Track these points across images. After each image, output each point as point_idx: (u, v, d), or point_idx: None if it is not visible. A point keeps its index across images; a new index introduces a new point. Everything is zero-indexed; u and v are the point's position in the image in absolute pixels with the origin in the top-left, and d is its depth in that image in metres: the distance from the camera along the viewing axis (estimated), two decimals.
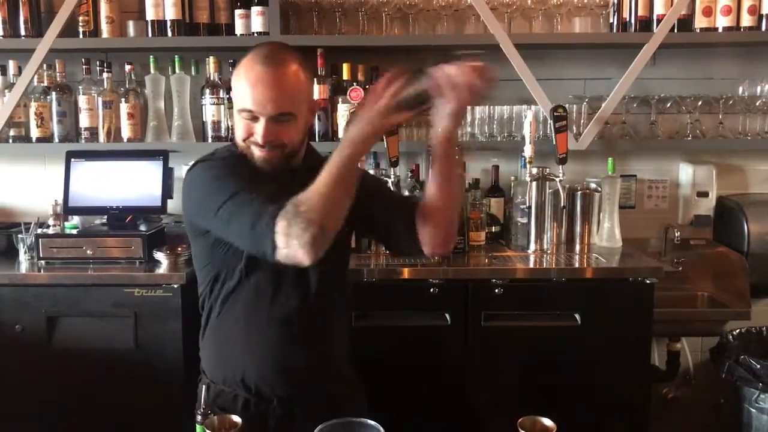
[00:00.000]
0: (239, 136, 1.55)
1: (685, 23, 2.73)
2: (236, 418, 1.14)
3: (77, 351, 2.43)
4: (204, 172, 1.54)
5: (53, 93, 2.85)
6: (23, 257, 2.63)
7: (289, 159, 1.57)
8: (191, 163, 1.61)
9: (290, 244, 1.32)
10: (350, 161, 1.35)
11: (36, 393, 2.44)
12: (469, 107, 1.45)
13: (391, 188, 2.49)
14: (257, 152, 1.52)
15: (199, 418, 1.24)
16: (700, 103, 2.85)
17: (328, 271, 1.59)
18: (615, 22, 2.83)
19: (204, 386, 1.26)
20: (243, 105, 1.50)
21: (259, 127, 1.49)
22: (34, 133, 2.85)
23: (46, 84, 2.87)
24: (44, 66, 2.82)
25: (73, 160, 2.75)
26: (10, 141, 2.87)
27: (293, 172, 1.58)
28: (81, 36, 2.79)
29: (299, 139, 1.57)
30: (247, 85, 1.48)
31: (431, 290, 2.42)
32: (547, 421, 1.07)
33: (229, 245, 1.53)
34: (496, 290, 2.42)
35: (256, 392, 1.59)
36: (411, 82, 1.35)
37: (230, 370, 1.61)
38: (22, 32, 2.79)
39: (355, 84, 2.74)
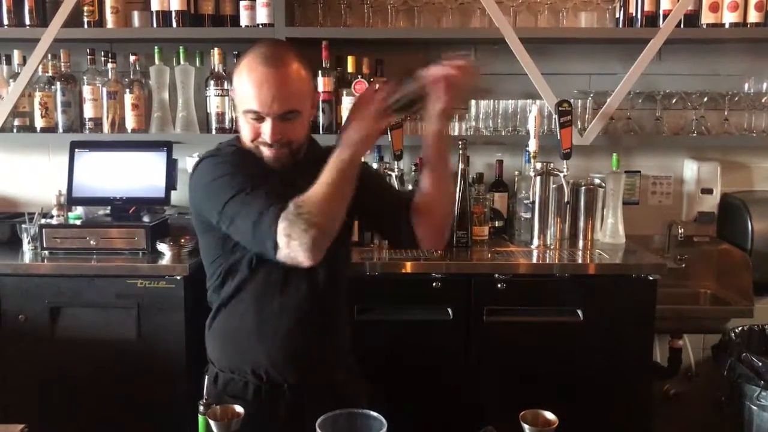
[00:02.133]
0: (246, 137, 1.57)
1: (692, 19, 2.72)
2: (239, 408, 1.14)
3: (80, 341, 2.44)
4: (210, 168, 1.57)
5: (58, 83, 2.84)
6: (27, 247, 2.63)
7: (295, 155, 1.59)
8: (197, 159, 1.63)
9: (291, 245, 1.37)
10: (348, 164, 1.40)
11: (39, 383, 2.44)
12: (470, 102, 1.49)
13: (391, 182, 2.51)
14: (266, 152, 1.55)
15: (201, 408, 1.24)
16: (705, 99, 2.84)
17: (334, 260, 1.60)
18: (621, 17, 2.82)
19: (207, 377, 1.26)
20: (248, 106, 1.51)
21: (266, 127, 1.51)
22: (39, 123, 2.85)
23: (50, 74, 2.86)
24: (49, 56, 2.81)
25: (77, 150, 2.75)
26: (15, 131, 2.87)
27: (296, 165, 1.59)
28: (86, 26, 2.78)
29: (305, 134, 1.60)
30: (251, 86, 1.50)
31: (434, 284, 2.41)
32: (549, 415, 1.07)
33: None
34: (499, 285, 2.42)
35: (267, 380, 1.61)
36: (401, 85, 1.42)
37: (240, 358, 1.63)
38: (27, 22, 2.79)
39: (359, 77, 2.74)
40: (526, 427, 1.05)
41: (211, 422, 1.12)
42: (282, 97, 1.49)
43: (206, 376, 1.32)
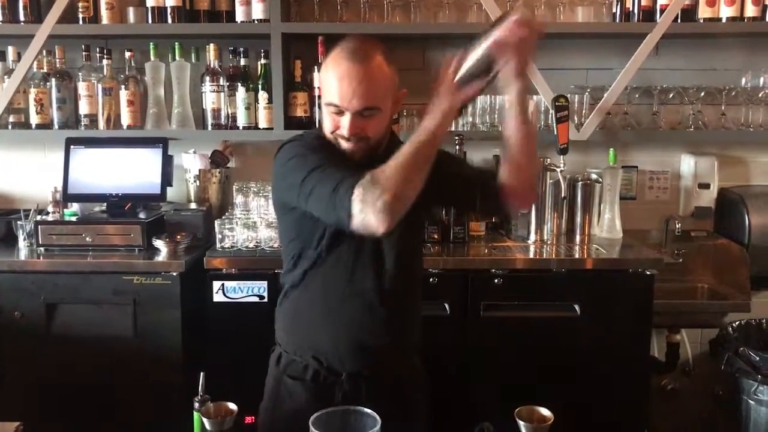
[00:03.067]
0: (327, 128, 1.59)
1: (689, 13, 2.72)
2: (232, 406, 1.14)
3: (76, 338, 2.44)
4: (292, 149, 1.61)
5: (53, 79, 2.83)
6: (22, 244, 2.62)
7: (374, 150, 1.60)
8: (281, 144, 1.66)
9: (365, 211, 1.38)
10: (430, 137, 1.41)
11: (35, 380, 2.44)
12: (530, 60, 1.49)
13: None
14: (344, 144, 1.57)
15: (196, 405, 1.24)
16: (702, 94, 2.84)
17: (403, 252, 1.63)
18: (618, 12, 2.81)
19: (203, 374, 1.25)
20: (330, 99, 1.53)
21: (345, 121, 1.53)
22: (34, 119, 2.84)
23: (45, 70, 2.85)
24: (44, 52, 2.80)
25: (72, 147, 2.75)
26: (10, 127, 2.86)
27: (373, 159, 1.58)
28: (81, 22, 2.77)
29: (383, 131, 1.61)
30: (334, 79, 1.51)
31: (431, 280, 2.41)
32: (545, 411, 1.06)
33: (314, 220, 1.57)
34: (496, 280, 2.42)
35: (327, 365, 1.63)
36: (469, 54, 1.43)
37: (304, 341, 1.67)
38: (22, 18, 2.77)
39: None
40: (521, 423, 1.05)
41: (204, 420, 1.11)
42: (362, 93, 1.50)
43: (201, 373, 1.31)
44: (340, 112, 1.53)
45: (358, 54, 1.52)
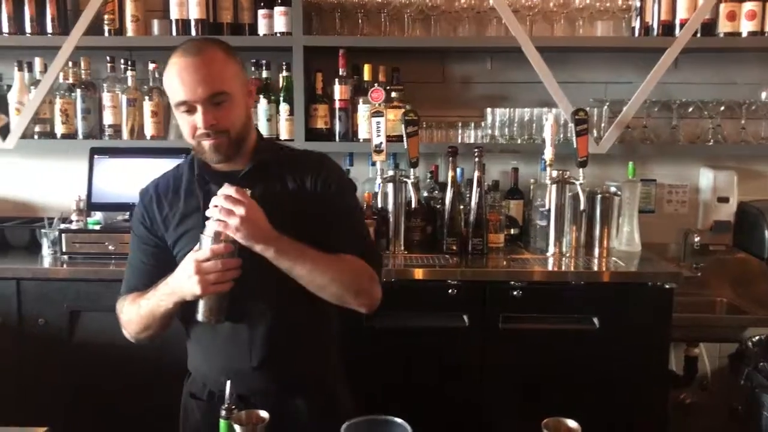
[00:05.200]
0: (187, 135, 1.54)
1: (709, 27, 2.72)
2: (263, 413, 1.15)
3: (98, 345, 2.45)
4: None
5: (78, 90, 2.88)
6: (46, 252, 2.66)
7: (238, 146, 1.55)
8: None
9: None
10: (159, 306, 1.54)
11: (57, 386, 2.47)
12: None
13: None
14: (206, 144, 1.51)
15: (223, 413, 1.25)
16: (722, 108, 2.84)
17: (276, 279, 1.53)
18: (637, 26, 2.83)
19: (229, 381, 1.27)
20: (177, 98, 1.49)
21: (198, 116, 1.48)
22: (59, 129, 2.89)
23: (71, 81, 2.90)
24: (70, 63, 2.85)
25: (96, 156, 2.79)
26: (36, 137, 2.90)
27: (253, 170, 1.58)
28: (106, 34, 2.82)
29: (242, 123, 1.55)
30: (174, 78, 1.49)
31: (449, 291, 2.42)
32: (572, 423, 1.07)
33: None
34: (515, 292, 2.42)
35: (211, 386, 1.65)
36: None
37: (192, 358, 1.75)
38: (49, 30, 2.83)
39: (376, 85, 2.75)
40: None
41: (236, 427, 1.13)
42: (204, 79, 1.46)
43: (227, 381, 1.33)
44: (191, 109, 1.49)
45: (191, 49, 1.50)
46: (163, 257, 1.63)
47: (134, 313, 1.62)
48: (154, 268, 1.64)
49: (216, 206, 1.42)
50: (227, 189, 1.43)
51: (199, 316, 1.47)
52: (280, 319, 1.59)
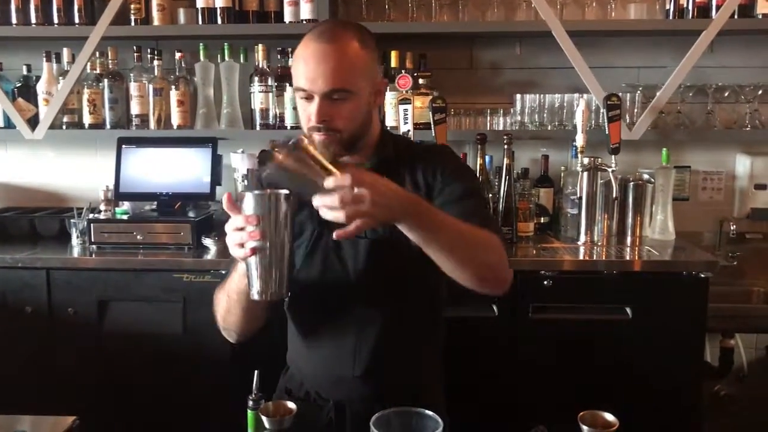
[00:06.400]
0: (303, 124, 1.46)
1: (746, 9, 2.63)
2: (291, 405, 1.13)
3: (127, 335, 2.47)
4: None
5: (105, 80, 2.89)
6: (75, 242, 2.67)
7: (352, 145, 1.47)
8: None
9: None
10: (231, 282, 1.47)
11: (87, 376, 2.48)
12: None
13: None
14: (316, 136, 1.41)
15: (251, 403, 1.24)
16: (760, 92, 2.76)
17: (385, 285, 1.49)
18: (671, 9, 2.74)
19: (257, 372, 1.25)
20: (297, 83, 1.42)
21: (313, 107, 1.40)
22: (87, 119, 2.90)
23: (98, 71, 2.91)
24: (97, 54, 2.86)
25: (124, 146, 2.80)
26: (64, 127, 2.92)
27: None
28: (132, 24, 2.82)
29: (359, 124, 1.46)
30: (300, 62, 1.41)
31: None
32: (609, 416, 1.04)
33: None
34: (545, 282, 2.38)
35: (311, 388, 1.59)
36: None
37: (294, 357, 1.66)
38: (76, 20, 2.83)
39: (403, 71, 2.71)
40: (586, 429, 1.02)
41: (264, 419, 1.11)
42: (329, 72, 1.37)
43: (255, 372, 1.31)
44: (309, 98, 1.41)
45: (326, 34, 1.40)
46: None
47: (219, 296, 1.54)
48: None
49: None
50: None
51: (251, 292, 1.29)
52: (392, 327, 1.51)
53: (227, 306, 1.49)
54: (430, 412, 0.99)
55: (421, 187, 1.52)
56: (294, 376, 1.63)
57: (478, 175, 2.63)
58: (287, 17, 2.75)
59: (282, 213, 1.22)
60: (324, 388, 1.55)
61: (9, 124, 2.90)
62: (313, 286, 1.52)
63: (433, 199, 1.49)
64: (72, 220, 2.69)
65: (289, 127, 2.81)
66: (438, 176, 1.51)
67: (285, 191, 1.22)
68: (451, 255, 1.28)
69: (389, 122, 2.76)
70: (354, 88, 1.41)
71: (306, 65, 1.39)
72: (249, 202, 1.23)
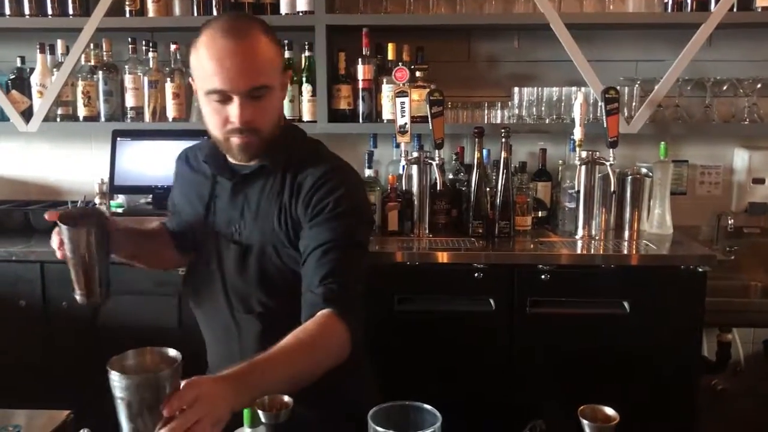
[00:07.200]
0: (215, 126, 1.39)
1: (745, 2, 2.62)
2: (287, 398, 1.12)
3: (121, 329, 2.45)
4: None
5: (100, 72, 2.86)
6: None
7: (266, 145, 1.42)
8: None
9: None
10: None
11: (81, 369, 2.46)
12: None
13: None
14: (235, 140, 1.38)
15: None
16: (758, 86, 2.75)
17: (261, 272, 1.48)
18: (669, 2, 2.73)
19: None
20: (211, 86, 1.33)
21: (234, 109, 1.34)
22: (81, 112, 2.88)
23: (93, 63, 2.88)
24: (91, 45, 2.83)
25: (119, 139, 2.78)
26: (58, 120, 2.89)
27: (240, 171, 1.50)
28: (127, 15, 2.79)
29: (276, 121, 1.44)
30: (212, 62, 1.32)
31: (475, 275, 2.37)
32: (609, 411, 1.03)
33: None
34: (543, 276, 2.37)
35: None
36: None
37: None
38: (70, 11, 2.80)
39: (400, 64, 2.69)
40: (585, 423, 1.01)
41: (260, 413, 1.10)
42: (250, 70, 1.32)
43: None
44: (225, 100, 1.34)
45: (234, 30, 1.32)
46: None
47: None
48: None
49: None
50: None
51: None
52: (268, 328, 1.46)
53: None
54: (428, 407, 0.98)
55: (301, 203, 1.43)
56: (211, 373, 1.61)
57: (476, 168, 2.62)
58: (283, 9, 2.72)
59: (84, 245, 1.40)
60: None
61: (3, 117, 2.88)
62: (201, 287, 1.59)
63: (307, 223, 1.42)
64: None
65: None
66: (313, 196, 1.43)
67: (91, 230, 1.39)
68: (294, 387, 1.20)
69: (386, 115, 2.75)
70: (272, 82, 1.38)
71: (220, 64, 1.31)
72: (63, 230, 1.40)
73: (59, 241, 1.40)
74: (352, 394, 1.47)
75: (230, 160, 1.51)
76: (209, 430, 1.04)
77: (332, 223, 1.40)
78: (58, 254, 1.42)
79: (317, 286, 1.34)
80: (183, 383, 1.07)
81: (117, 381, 1.09)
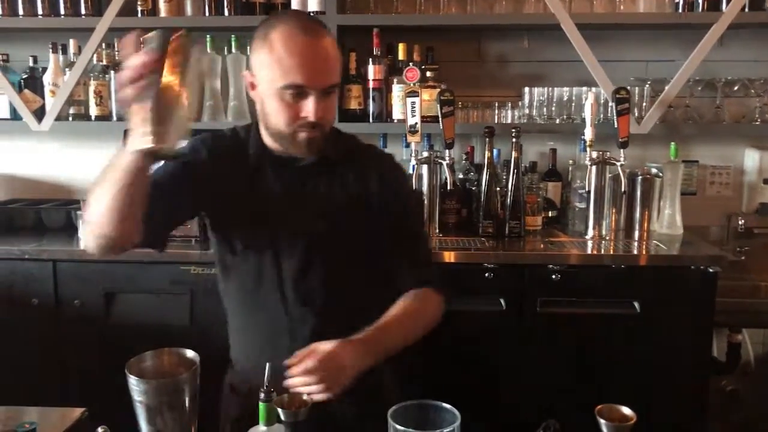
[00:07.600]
0: (285, 120, 1.40)
1: (757, 2, 2.62)
2: (306, 397, 1.13)
3: (134, 327, 2.47)
4: None
5: (112, 72, 2.87)
6: (82, 233, 2.67)
7: (325, 139, 1.46)
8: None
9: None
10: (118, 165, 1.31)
11: (94, 367, 2.48)
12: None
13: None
14: (304, 135, 1.40)
15: (262, 395, 1.23)
16: None
17: (327, 277, 1.52)
18: (681, 2, 2.72)
19: (268, 364, 1.24)
20: (290, 80, 1.35)
21: (309, 104, 1.37)
22: (93, 111, 2.89)
23: (105, 63, 2.90)
24: (103, 45, 2.85)
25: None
26: (70, 119, 2.91)
27: (323, 162, 1.50)
28: (139, 15, 2.80)
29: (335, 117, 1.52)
30: (291, 57, 1.35)
31: (486, 275, 2.38)
32: (626, 410, 1.03)
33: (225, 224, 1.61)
34: (553, 276, 2.37)
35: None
36: None
37: (233, 347, 1.74)
38: (83, 11, 2.82)
39: (411, 64, 2.70)
40: (603, 422, 1.01)
41: (280, 411, 1.11)
42: (329, 68, 1.38)
43: (267, 364, 1.30)
44: (301, 95, 1.37)
45: (309, 29, 1.37)
46: (175, 192, 1.50)
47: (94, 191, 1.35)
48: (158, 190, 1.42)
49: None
50: None
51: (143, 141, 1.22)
52: (325, 322, 1.49)
53: (102, 192, 1.35)
54: (447, 405, 0.98)
55: (371, 191, 1.52)
56: (238, 373, 1.64)
57: (486, 168, 2.62)
58: (294, 8, 2.73)
59: (187, 56, 1.16)
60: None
61: (15, 116, 2.90)
62: (247, 280, 1.55)
63: (382, 210, 1.51)
64: (78, 212, 2.69)
65: None
66: (392, 191, 1.54)
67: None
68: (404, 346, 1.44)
69: (397, 115, 2.75)
70: (339, 82, 1.44)
71: (302, 60, 1.35)
72: (155, 39, 1.15)
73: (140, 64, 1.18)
74: (390, 393, 1.52)
75: (275, 153, 1.50)
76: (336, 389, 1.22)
77: (411, 212, 1.62)
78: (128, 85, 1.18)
79: (409, 274, 1.55)
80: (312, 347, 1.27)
81: (136, 385, 1.10)
